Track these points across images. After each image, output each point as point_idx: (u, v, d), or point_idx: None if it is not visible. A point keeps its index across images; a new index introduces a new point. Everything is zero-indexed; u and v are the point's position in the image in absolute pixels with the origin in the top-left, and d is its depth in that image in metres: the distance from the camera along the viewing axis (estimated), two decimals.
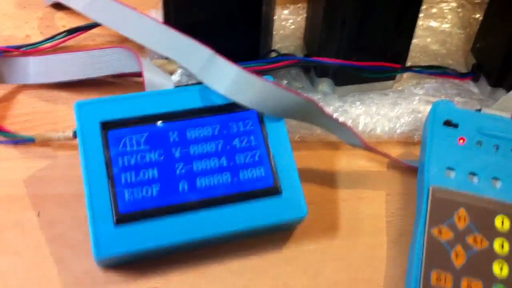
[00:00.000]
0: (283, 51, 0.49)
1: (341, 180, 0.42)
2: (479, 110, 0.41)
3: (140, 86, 0.40)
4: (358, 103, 0.45)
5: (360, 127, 0.44)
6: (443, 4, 0.54)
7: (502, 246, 0.35)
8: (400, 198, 0.41)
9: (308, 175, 0.42)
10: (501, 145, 0.39)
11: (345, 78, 0.46)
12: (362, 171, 0.43)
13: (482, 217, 0.36)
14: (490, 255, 0.35)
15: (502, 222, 0.36)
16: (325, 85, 0.47)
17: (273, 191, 0.37)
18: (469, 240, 0.36)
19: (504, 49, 0.45)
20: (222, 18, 0.42)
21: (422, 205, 0.37)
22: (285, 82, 0.46)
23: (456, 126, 0.39)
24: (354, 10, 0.42)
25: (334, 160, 0.43)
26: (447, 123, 0.39)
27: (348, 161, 0.43)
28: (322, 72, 0.46)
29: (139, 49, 0.45)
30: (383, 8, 0.42)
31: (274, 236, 0.39)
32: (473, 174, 0.38)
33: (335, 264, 0.38)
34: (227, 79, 0.37)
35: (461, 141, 0.39)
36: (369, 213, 0.41)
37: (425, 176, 0.38)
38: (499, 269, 0.35)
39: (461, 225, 0.36)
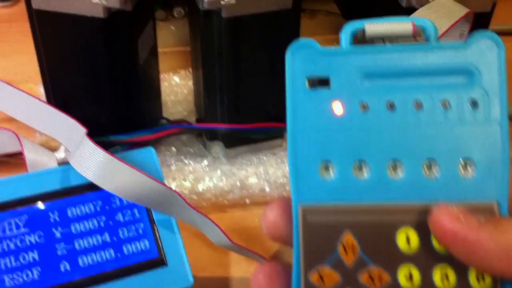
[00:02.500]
0: (175, 117, 0.50)
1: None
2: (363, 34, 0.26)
3: None
4: (246, 164, 0.46)
5: (249, 189, 0.45)
6: None
7: (411, 277, 0.25)
8: None
9: (201, 240, 0.43)
10: (398, 97, 0.25)
11: (234, 140, 0.47)
12: (255, 231, 0.44)
13: (378, 239, 0.25)
14: None
15: (408, 239, 0.25)
16: (216, 148, 0.48)
17: (158, 262, 0.37)
18: (363, 279, 0.25)
19: None
20: (99, 91, 0.43)
21: (295, 237, 0.25)
22: (173, 149, 0.47)
23: (326, 82, 0.25)
24: (229, 74, 0.43)
25: (225, 222, 0.44)
26: (313, 82, 0.25)
27: (241, 221, 0.44)
28: (212, 135, 0.47)
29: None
30: (257, 71, 0.43)
31: None
32: (360, 163, 0.25)
33: None
34: (93, 164, 0.37)
35: (337, 109, 0.25)
36: None
37: (291, 189, 0.25)
38: None
39: (349, 260, 0.25)
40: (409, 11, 0.41)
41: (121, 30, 0.40)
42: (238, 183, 0.45)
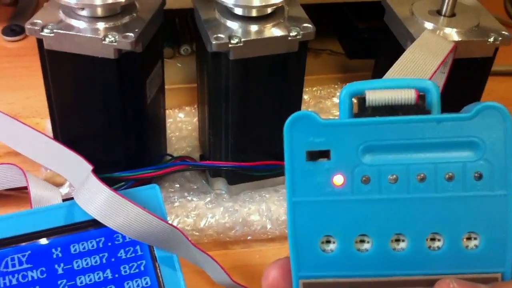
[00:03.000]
0: (179, 153, 0.51)
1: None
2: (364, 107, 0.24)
3: None
4: (249, 201, 0.47)
5: (251, 226, 0.45)
6: (335, 99, 0.57)
7: None
8: None
9: (202, 278, 0.43)
10: (401, 171, 0.24)
11: (237, 177, 0.48)
12: (256, 268, 0.44)
13: None
14: None
15: None
16: (219, 184, 0.49)
17: None
18: None
19: None
20: (106, 129, 0.43)
21: None
22: (177, 185, 0.47)
23: (326, 154, 0.24)
24: (235, 114, 0.44)
25: (226, 259, 0.44)
26: (313, 155, 0.24)
27: (243, 258, 0.44)
28: (216, 172, 0.48)
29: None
30: (263, 111, 0.44)
31: None
32: (362, 237, 0.24)
33: None
34: (97, 201, 0.37)
35: (338, 182, 0.24)
36: None
37: (291, 262, 0.25)
38: None
39: None
40: None
41: (131, 71, 0.41)
42: (240, 220, 0.45)
